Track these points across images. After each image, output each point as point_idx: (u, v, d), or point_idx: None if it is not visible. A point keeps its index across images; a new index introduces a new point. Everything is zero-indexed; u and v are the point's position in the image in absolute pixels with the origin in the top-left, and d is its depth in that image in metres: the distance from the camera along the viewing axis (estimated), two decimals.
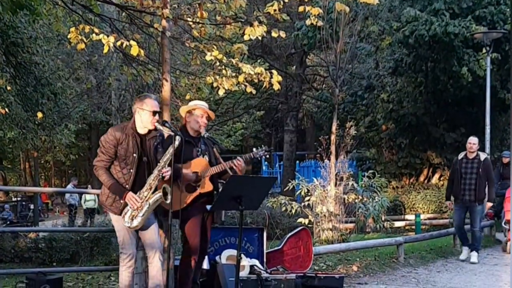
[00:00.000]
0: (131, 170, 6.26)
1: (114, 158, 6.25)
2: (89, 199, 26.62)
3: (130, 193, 6.18)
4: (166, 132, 6.26)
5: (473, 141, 11.70)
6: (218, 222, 7.61)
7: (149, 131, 6.28)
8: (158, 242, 6.42)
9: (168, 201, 6.13)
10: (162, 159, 6.28)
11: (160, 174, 6.23)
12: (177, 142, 6.25)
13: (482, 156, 11.75)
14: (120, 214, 6.29)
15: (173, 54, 10.18)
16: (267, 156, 7.55)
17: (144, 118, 6.22)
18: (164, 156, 6.29)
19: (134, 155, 6.24)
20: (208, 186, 6.99)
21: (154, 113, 6.23)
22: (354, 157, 24.23)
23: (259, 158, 7.56)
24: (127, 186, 6.25)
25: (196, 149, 7.06)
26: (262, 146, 7.49)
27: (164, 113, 7.27)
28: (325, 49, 17.35)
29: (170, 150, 6.27)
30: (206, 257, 7.69)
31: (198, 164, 6.96)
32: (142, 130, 6.26)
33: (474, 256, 11.73)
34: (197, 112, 7.10)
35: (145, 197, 6.21)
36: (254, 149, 7.37)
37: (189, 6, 8.11)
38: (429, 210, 22.70)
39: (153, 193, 6.21)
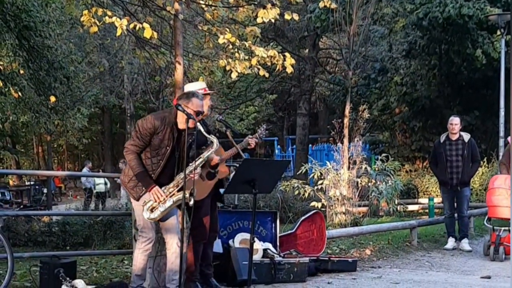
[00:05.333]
0: (161, 162, 6.23)
1: (147, 145, 6.21)
2: (99, 183, 26.66)
3: (157, 187, 6.16)
4: (205, 133, 6.21)
5: (454, 121, 11.16)
6: (223, 201, 7.63)
7: (187, 127, 6.21)
8: (177, 228, 6.39)
9: (192, 203, 6.08)
10: (195, 161, 6.23)
11: (189, 176, 6.18)
12: (214, 147, 6.29)
13: (466, 136, 11.18)
14: (138, 200, 6.28)
15: (185, 37, 10.16)
16: (266, 132, 7.62)
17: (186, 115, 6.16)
18: (198, 159, 6.27)
19: (168, 148, 6.20)
20: (224, 172, 6.99)
21: (197, 113, 6.20)
22: (367, 141, 24.16)
23: (262, 137, 7.60)
24: (152, 175, 6.24)
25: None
26: (260, 127, 7.58)
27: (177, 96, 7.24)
28: (338, 31, 17.32)
29: (205, 154, 6.30)
30: (220, 240, 7.70)
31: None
32: (181, 125, 6.20)
33: (466, 244, 11.25)
34: (208, 96, 7.12)
35: (170, 193, 6.19)
36: (258, 129, 7.48)
37: None
38: None
39: (178, 191, 6.19)
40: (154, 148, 6.22)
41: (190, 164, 6.21)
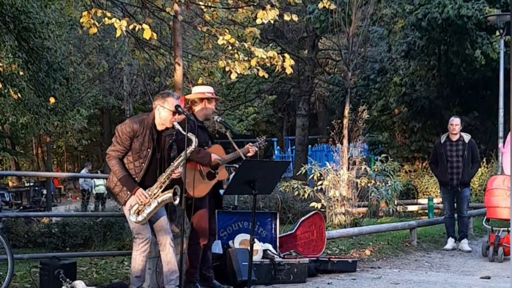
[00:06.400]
0: (143, 164, 6.28)
1: (128, 150, 6.26)
2: (99, 184, 26.66)
3: (140, 190, 6.20)
4: (183, 131, 6.19)
5: (455, 121, 11.12)
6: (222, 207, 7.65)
7: (166, 128, 6.26)
8: (168, 229, 6.44)
9: (177, 202, 6.11)
10: (176, 160, 6.28)
11: (171, 175, 6.24)
12: (193, 145, 6.25)
13: (466, 137, 11.15)
14: (124, 204, 6.31)
15: (185, 38, 10.19)
16: (266, 143, 7.67)
17: (163, 116, 6.21)
18: (179, 157, 6.29)
19: (149, 150, 6.25)
20: (224, 174, 7.01)
21: (174, 112, 6.21)
22: (366, 141, 24.16)
23: (262, 147, 7.64)
24: (136, 178, 6.27)
25: (207, 134, 7.11)
26: (260, 137, 7.68)
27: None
28: (337, 32, 17.30)
29: (187, 151, 6.28)
30: (219, 241, 7.71)
31: (217, 150, 6.98)
32: (159, 126, 6.27)
33: (466, 244, 11.26)
34: (214, 101, 7.14)
35: (154, 194, 6.22)
36: (259, 139, 7.53)
37: None
38: None
39: (162, 191, 6.22)
40: (135, 151, 6.26)
41: (171, 164, 6.28)
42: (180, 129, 6.17)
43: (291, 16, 8.23)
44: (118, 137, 6.25)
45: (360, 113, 14.75)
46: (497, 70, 18.45)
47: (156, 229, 6.45)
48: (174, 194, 6.10)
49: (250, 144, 7.33)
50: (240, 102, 33.56)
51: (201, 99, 7.06)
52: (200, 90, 7.18)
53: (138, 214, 6.22)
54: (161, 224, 6.43)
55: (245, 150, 7.21)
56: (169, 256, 6.40)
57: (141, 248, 6.35)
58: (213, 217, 7.28)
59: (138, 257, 6.37)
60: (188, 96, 7.21)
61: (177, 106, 6.19)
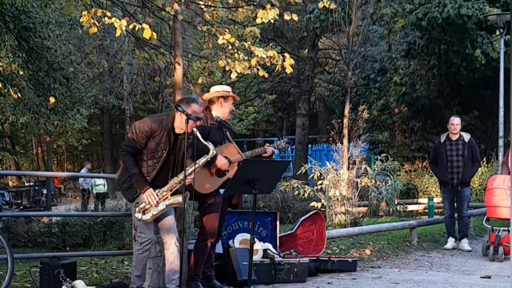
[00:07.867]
0: (156, 165, 6.25)
1: (143, 148, 6.22)
2: (99, 184, 26.65)
3: (151, 190, 6.16)
4: (203, 140, 6.18)
5: (455, 121, 11.11)
6: (240, 206, 7.65)
7: (184, 132, 6.22)
8: (174, 228, 6.41)
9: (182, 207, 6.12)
10: (191, 167, 6.21)
11: (184, 181, 6.21)
12: (210, 154, 6.26)
13: (466, 137, 11.15)
14: (132, 201, 6.29)
15: (185, 38, 10.16)
16: (286, 145, 7.66)
17: (184, 121, 6.16)
18: (194, 164, 6.24)
19: (164, 151, 6.22)
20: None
21: (196, 119, 6.18)
22: (366, 141, 24.17)
23: (281, 149, 7.67)
24: (148, 177, 6.25)
25: (224, 134, 7.12)
26: (283, 137, 7.67)
27: (176, 97, 7.24)
28: (337, 32, 17.30)
29: (202, 160, 6.28)
30: (220, 241, 7.71)
31: (229, 149, 6.98)
32: (178, 130, 6.23)
33: (466, 244, 11.27)
34: (231, 100, 7.16)
35: (163, 196, 6.20)
36: (277, 141, 7.57)
37: None
38: None
39: (172, 195, 6.20)
40: (150, 151, 6.22)
41: (186, 168, 6.23)
42: (200, 136, 6.15)
43: (291, 16, 8.22)
44: (135, 134, 6.20)
45: (360, 112, 14.76)
46: (497, 70, 18.46)
47: (161, 227, 6.44)
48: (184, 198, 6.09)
49: (268, 144, 7.37)
50: (240, 101, 33.56)
51: (218, 98, 7.13)
52: (216, 89, 7.26)
53: (143, 213, 6.20)
54: (167, 222, 6.41)
55: (261, 150, 7.24)
56: (172, 256, 6.39)
57: (143, 248, 6.34)
58: (222, 216, 7.26)
59: (139, 256, 6.36)
60: (205, 96, 7.25)
61: (177, 106, 6.18)
